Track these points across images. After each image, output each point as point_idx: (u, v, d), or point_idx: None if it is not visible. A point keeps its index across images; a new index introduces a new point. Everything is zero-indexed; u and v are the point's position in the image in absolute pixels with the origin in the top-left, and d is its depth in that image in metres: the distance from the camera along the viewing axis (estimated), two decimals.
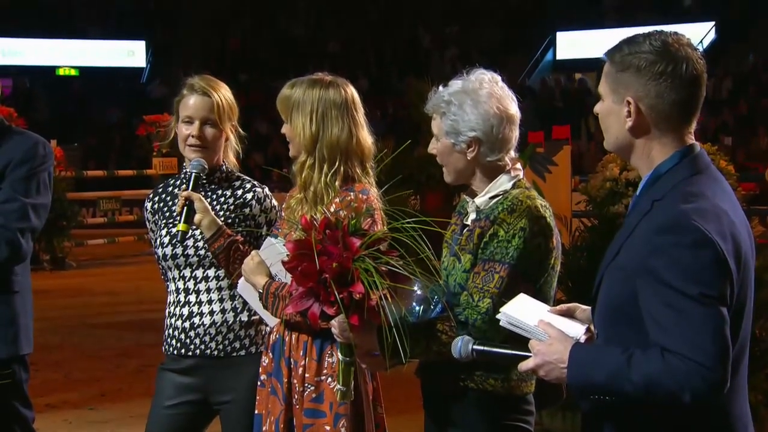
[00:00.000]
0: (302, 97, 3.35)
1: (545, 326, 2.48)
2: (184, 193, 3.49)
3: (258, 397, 3.44)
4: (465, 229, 3.10)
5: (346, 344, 2.96)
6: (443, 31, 28.01)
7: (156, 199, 3.75)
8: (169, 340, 3.64)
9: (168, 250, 3.59)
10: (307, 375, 3.31)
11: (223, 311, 3.57)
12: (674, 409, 2.28)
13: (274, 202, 3.67)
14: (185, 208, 3.47)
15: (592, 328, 2.54)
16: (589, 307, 2.57)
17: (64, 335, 9.49)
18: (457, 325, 2.94)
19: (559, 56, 27.06)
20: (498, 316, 2.62)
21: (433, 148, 3.13)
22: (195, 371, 3.59)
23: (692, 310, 2.23)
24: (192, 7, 29.90)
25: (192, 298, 3.59)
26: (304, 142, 3.34)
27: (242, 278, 3.40)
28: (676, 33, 2.44)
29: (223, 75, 3.70)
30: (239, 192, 3.64)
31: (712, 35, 24.91)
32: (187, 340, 3.58)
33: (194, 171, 3.55)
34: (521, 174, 3.13)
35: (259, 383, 3.44)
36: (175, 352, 3.61)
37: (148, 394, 3.97)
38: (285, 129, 3.42)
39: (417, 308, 2.90)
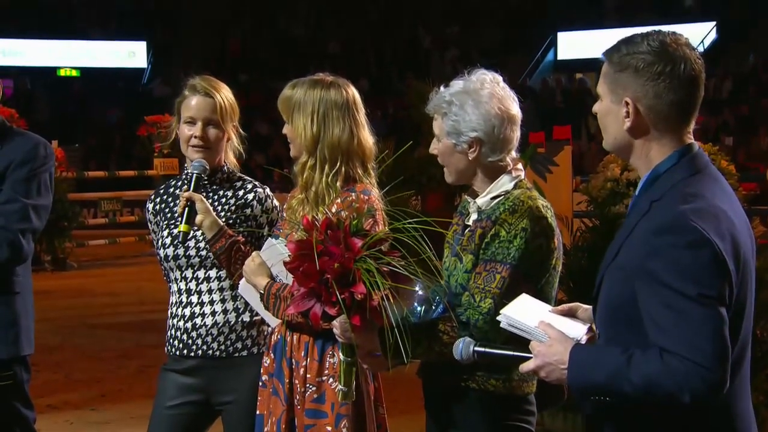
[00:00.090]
0: (303, 98, 3.35)
1: (545, 327, 2.48)
2: (186, 194, 3.49)
3: (259, 398, 3.44)
4: (466, 230, 3.10)
5: (348, 345, 2.96)
6: (443, 31, 28.00)
7: (157, 200, 3.75)
8: (171, 340, 3.64)
9: (170, 251, 3.59)
10: (308, 375, 3.31)
11: (225, 312, 3.57)
12: (676, 409, 2.28)
13: (276, 202, 3.67)
14: (186, 208, 3.47)
15: (594, 327, 2.54)
16: (591, 306, 2.57)
17: (65, 336, 9.50)
18: (458, 326, 2.94)
19: (561, 56, 27.06)
20: (498, 318, 2.63)
21: (435, 148, 3.13)
22: (197, 372, 3.59)
23: (691, 310, 2.23)
24: (192, 8, 29.90)
25: (194, 298, 3.59)
26: (306, 142, 3.34)
27: (243, 279, 3.40)
28: (674, 33, 2.43)
29: (224, 76, 3.71)
30: (240, 192, 3.64)
31: (712, 35, 24.91)
32: (190, 341, 3.58)
33: (195, 172, 3.55)
34: (522, 174, 3.13)
35: (260, 384, 3.44)
36: (178, 352, 3.61)
37: (149, 395, 3.97)
38: (286, 129, 3.42)
39: (418, 308, 2.90)
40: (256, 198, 3.63)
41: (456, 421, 3.07)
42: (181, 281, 3.61)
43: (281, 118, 3.43)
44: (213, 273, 3.57)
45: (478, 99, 3.02)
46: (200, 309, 3.58)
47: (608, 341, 2.42)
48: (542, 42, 27.08)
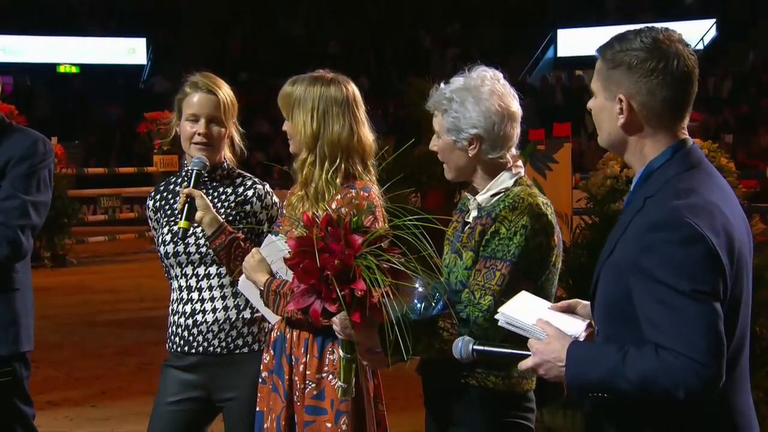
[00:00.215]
0: (303, 94, 3.35)
1: (543, 325, 2.48)
2: (186, 191, 3.49)
3: (259, 394, 3.44)
4: (466, 227, 3.10)
5: (348, 341, 2.96)
6: (444, 31, 27.99)
7: (157, 197, 3.75)
8: (172, 337, 3.64)
9: (170, 248, 3.59)
10: (308, 372, 3.31)
11: (225, 308, 3.57)
12: (673, 405, 2.28)
13: (275, 198, 3.67)
14: (186, 205, 3.47)
15: (593, 324, 2.54)
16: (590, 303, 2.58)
17: (65, 333, 9.50)
18: (458, 323, 2.94)
19: (561, 53, 27.04)
20: (496, 317, 2.62)
21: (435, 145, 3.13)
22: (198, 368, 3.59)
23: (685, 306, 2.23)
24: (192, 8, 29.88)
25: (194, 295, 3.59)
26: (305, 139, 3.34)
27: (243, 275, 3.40)
28: (667, 29, 2.43)
29: (224, 75, 3.70)
30: (240, 189, 3.64)
31: (712, 34, 24.90)
32: (190, 338, 3.59)
33: (195, 168, 3.55)
34: (522, 171, 3.13)
35: (260, 380, 3.44)
36: (179, 349, 3.61)
37: (149, 391, 3.98)
38: (286, 126, 3.42)
39: (418, 305, 2.90)
40: (256, 195, 3.63)
41: (456, 418, 3.07)
42: (181, 278, 3.62)
43: (281, 118, 3.43)
44: (213, 270, 3.58)
45: (479, 96, 3.02)
46: (201, 306, 3.58)
47: (606, 338, 2.42)
48: (542, 41, 27.06)
